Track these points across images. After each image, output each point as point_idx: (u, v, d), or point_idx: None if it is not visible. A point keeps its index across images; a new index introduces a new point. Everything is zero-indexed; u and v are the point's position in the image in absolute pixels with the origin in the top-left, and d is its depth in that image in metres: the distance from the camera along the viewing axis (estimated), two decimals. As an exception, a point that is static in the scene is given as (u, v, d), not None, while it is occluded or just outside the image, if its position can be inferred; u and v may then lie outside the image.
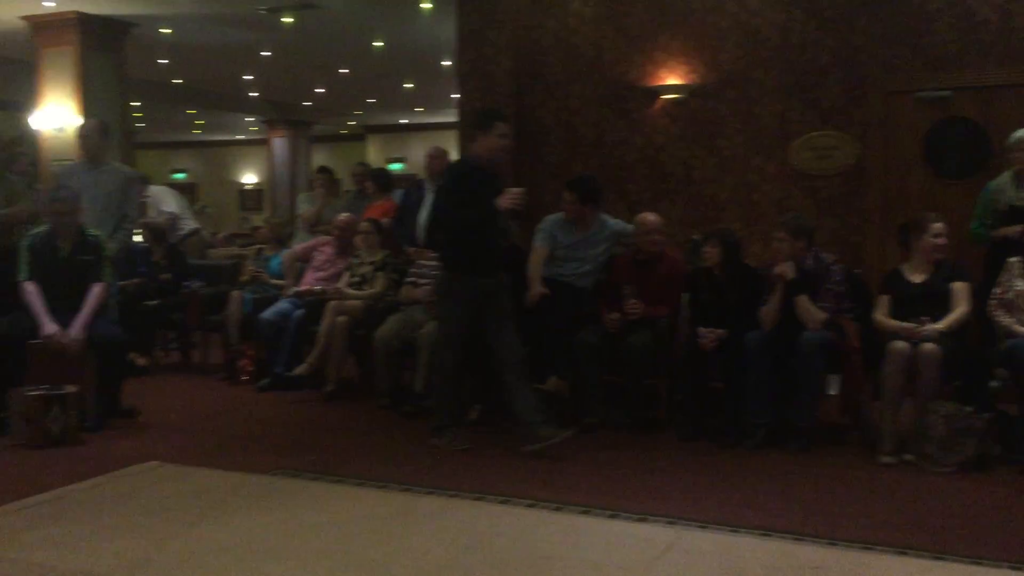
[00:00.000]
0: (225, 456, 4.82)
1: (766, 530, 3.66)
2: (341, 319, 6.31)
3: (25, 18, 9.54)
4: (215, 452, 4.91)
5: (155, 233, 7.93)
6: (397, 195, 7.66)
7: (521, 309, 5.44)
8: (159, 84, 13.93)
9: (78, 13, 9.35)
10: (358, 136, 21.02)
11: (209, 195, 22.05)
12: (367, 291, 6.49)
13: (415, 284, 6.17)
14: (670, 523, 3.74)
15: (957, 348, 4.66)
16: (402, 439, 5.26)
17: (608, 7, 7.27)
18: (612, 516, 3.83)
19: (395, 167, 18.60)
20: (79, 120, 9.21)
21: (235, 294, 7.17)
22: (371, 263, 6.60)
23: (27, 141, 10.29)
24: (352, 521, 3.76)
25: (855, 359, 5.00)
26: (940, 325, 4.69)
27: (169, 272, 7.64)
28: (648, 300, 5.46)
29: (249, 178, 23.02)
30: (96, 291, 5.42)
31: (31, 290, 5.33)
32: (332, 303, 6.41)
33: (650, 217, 5.72)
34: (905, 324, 4.75)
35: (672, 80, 7.13)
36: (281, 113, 18.10)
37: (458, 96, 7.78)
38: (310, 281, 6.93)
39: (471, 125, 5.02)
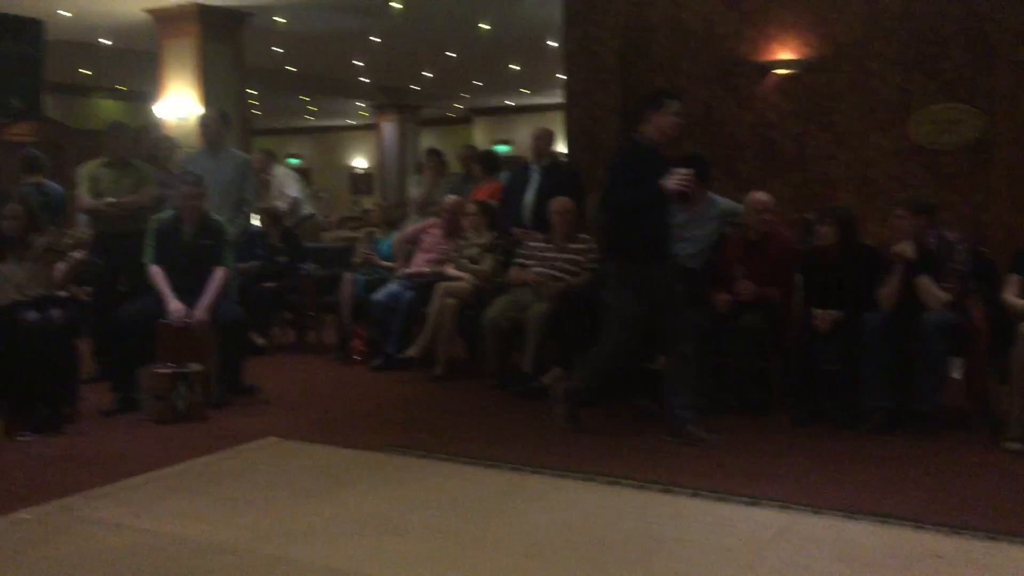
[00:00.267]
0: (339, 433, 4.96)
1: (883, 516, 3.55)
2: (450, 301, 6.39)
3: (148, 10, 9.94)
4: (329, 429, 5.06)
5: (271, 217, 8.19)
6: (503, 177, 7.70)
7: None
8: (274, 72, 14.33)
9: (198, 4, 9.69)
10: (465, 119, 21.19)
11: (321, 179, 22.62)
12: (476, 267, 6.55)
13: (522, 265, 6.20)
14: (782, 508, 3.67)
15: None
16: (511, 419, 5.30)
17: (717, -19, 7.11)
18: (722, 499, 3.78)
19: (501, 149, 18.69)
20: (200, 108, 9.57)
21: (347, 276, 7.35)
22: (479, 245, 6.66)
23: (153, 129, 10.75)
24: (462, 498, 3.83)
25: (980, 341, 4.79)
26: (1074, 306, 4.44)
27: (285, 255, 7.89)
28: (759, 281, 5.35)
29: (359, 162, 23.50)
30: (218, 274, 5.64)
31: (156, 272, 5.58)
32: (441, 285, 6.50)
33: (761, 196, 5.60)
34: (1035, 305, 4.52)
35: (785, 55, 6.92)
36: (390, 98, 18.39)
37: (564, 77, 7.75)
38: (420, 263, 7.05)
39: (639, 104, 4.81)
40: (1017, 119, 6.30)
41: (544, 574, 3.10)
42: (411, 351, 6.50)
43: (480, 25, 11.15)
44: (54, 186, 8.18)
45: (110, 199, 6.21)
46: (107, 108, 16.40)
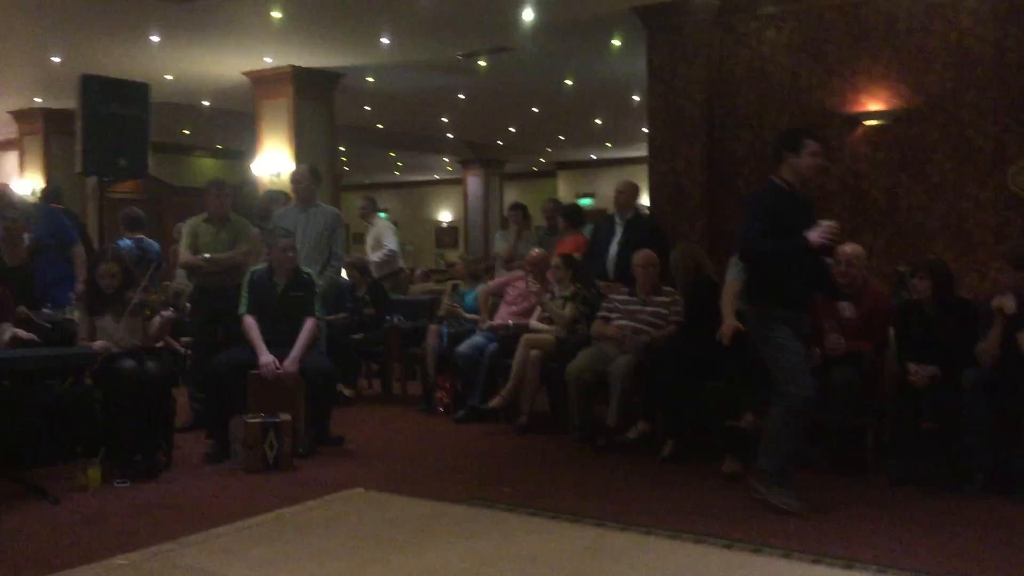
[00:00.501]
0: (424, 485, 4.98)
1: (988, 584, 3.39)
2: (534, 353, 6.40)
3: (247, 73, 10.38)
4: (414, 480, 5.09)
5: (360, 270, 8.37)
6: (588, 230, 7.73)
7: (715, 343, 5.34)
8: (363, 129, 14.74)
9: (293, 67, 10.08)
10: (549, 172, 21.37)
11: (407, 233, 23.03)
12: (557, 312, 6.55)
13: (606, 319, 6.18)
14: (879, 571, 3.54)
15: None
16: (595, 473, 5.25)
17: (805, 34, 7.08)
18: (815, 561, 3.66)
19: (584, 202, 18.76)
20: (293, 165, 9.88)
21: (433, 328, 7.43)
22: (563, 297, 6.67)
23: (250, 186, 11.15)
24: (546, 554, 3.79)
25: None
26: None
27: (372, 307, 8.03)
28: (851, 335, 5.23)
29: (445, 216, 23.87)
30: (308, 326, 5.77)
31: (250, 323, 5.75)
32: (525, 337, 6.52)
33: (849, 248, 5.48)
34: None
35: (874, 106, 6.84)
36: (475, 153, 18.70)
37: (648, 130, 7.78)
38: (504, 315, 7.09)
39: (776, 145, 4.61)
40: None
41: (630, 634, 3.03)
42: (495, 403, 6.52)
43: (565, 82, 11.30)
44: (151, 242, 8.56)
45: (206, 255, 6.45)
46: (205, 166, 17.08)
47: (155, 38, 8.76)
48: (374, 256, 9.02)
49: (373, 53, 9.54)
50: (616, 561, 3.71)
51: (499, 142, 17.58)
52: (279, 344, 5.67)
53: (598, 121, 14.71)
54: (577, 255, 7.14)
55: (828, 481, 4.93)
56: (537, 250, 7.31)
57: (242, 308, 5.82)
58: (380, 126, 15.00)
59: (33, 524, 4.28)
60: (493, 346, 6.80)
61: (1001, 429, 4.62)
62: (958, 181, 6.55)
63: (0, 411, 4.88)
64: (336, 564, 3.67)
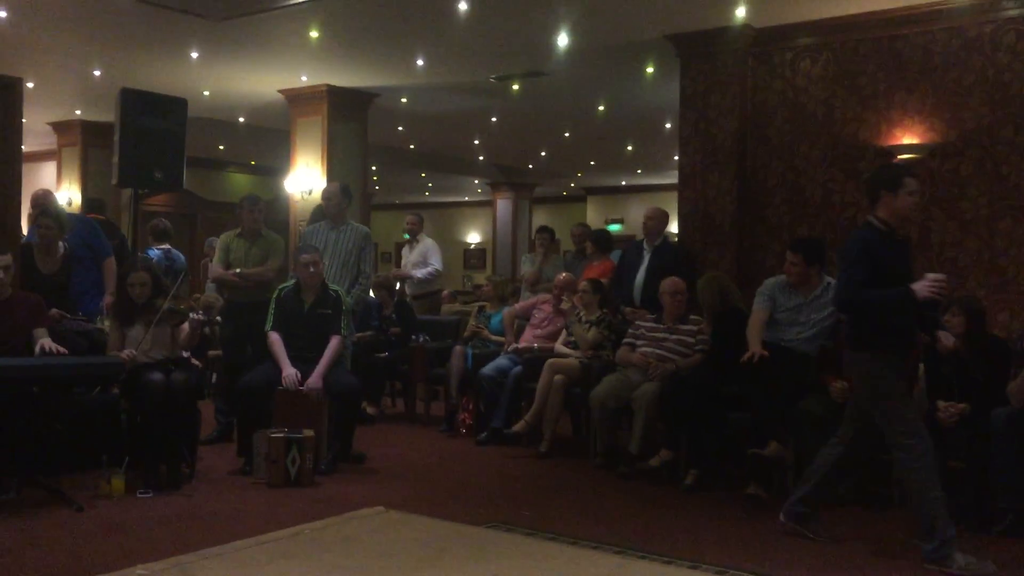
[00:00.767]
0: (444, 506, 4.97)
1: (1015, 628, 3.32)
2: (558, 377, 6.39)
3: (282, 91, 10.49)
4: (435, 501, 5.08)
5: (387, 288, 8.41)
6: (615, 255, 7.73)
7: (741, 373, 5.31)
8: (395, 149, 14.84)
9: (328, 86, 10.18)
10: (578, 197, 21.40)
11: (436, 254, 23.07)
12: (582, 336, 6.54)
13: (631, 346, 6.16)
14: (903, 611, 3.48)
15: None
16: (617, 500, 5.22)
17: (839, 65, 7.07)
18: (837, 597, 3.61)
19: (613, 228, 18.75)
20: (325, 183, 9.97)
21: (458, 349, 7.44)
22: (589, 322, 6.66)
23: (281, 203, 11.26)
24: (565, 580, 3.77)
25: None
26: None
27: (398, 326, 8.06)
28: (879, 369, 5.17)
29: (473, 237, 23.94)
30: (333, 343, 5.80)
31: (275, 339, 5.79)
32: (549, 361, 6.51)
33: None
34: None
35: (908, 139, 6.79)
36: (505, 176, 18.76)
37: (679, 158, 7.78)
38: (529, 338, 7.09)
39: (872, 183, 4.35)
40: None
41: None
42: (517, 426, 6.51)
43: (597, 108, 11.34)
44: (178, 253, 8.67)
45: (238, 270, 6.51)
46: (238, 182, 17.27)
47: (194, 54, 8.89)
48: (418, 273, 9.05)
49: (408, 74, 9.62)
50: (635, 590, 3.68)
51: (530, 166, 17.64)
52: (305, 361, 5.70)
53: (629, 147, 14.72)
54: (604, 280, 7.14)
55: (852, 516, 4.87)
56: (565, 274, 7.32)
57: (269, 324, 5.86)
58: (412, 147, 15.10)
59: (57, 531, 4.32)
60: (518, 369, 6.80)
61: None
62: (992, 217, 6.49)
63: (29, 418, 4.94)
64: (354, 582, 3.66)
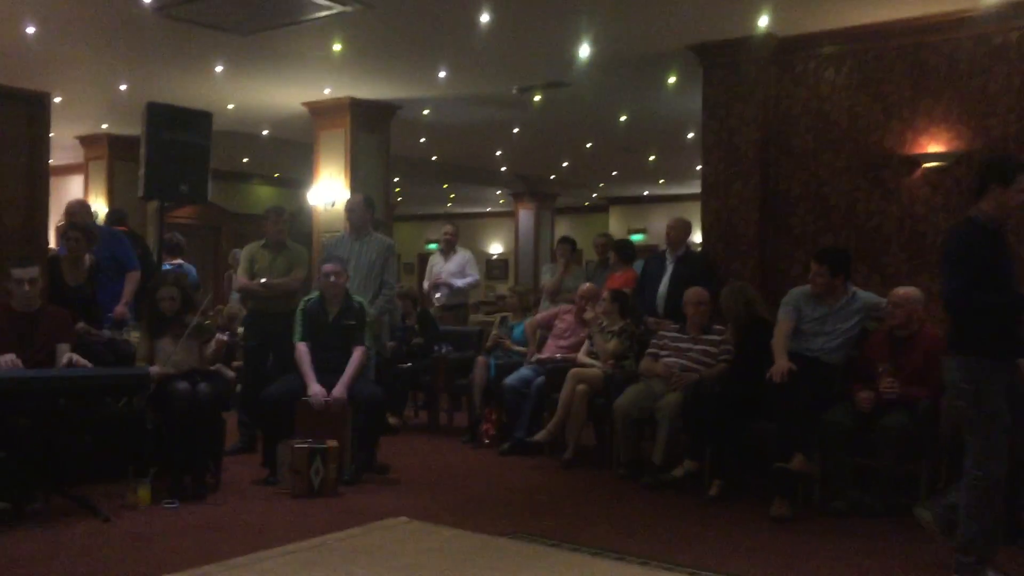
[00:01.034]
0: (468, 516, 4.96)
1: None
2: (580, 387, 6.37)
3: (306, 104, 10.57)
4: (458, 511, 5.08)
5: (410, 299, 8.43)
6: (638, 265, 7.71)
7: (765, 383, 5.28)
8: (418, 160, 14.89)
9: (351, 98, 10.24)
10: (601, 207, 21.38)
11: (458, 265, 23.10)
12: (604, 346, 6.52)
13: (655, 356, 6.14)
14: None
15: None
16: (640, 511, 5.19)
17: (864, 74, 7.02)
18: (865, 610, 3.57)
19: (636, 238, 18.71)
20: (347, 195, 10.02)
21: (480, 359, 7.44)
22: (611, 332, 6.64)
23: (305, 214, 11.32)
24: (589, 591, 3.75)
25: None
26: None
27: (421, 337, 8.07)
28: (906, 379, 5.13)
29: (495, 248, 23.96)
30: (357, 354, 5.82)
31: (302, 352, 5.82)
32: (572, 371, 6.50)
33: (907, 291, 5.40)
34: None
35: (934, 147, 6.74)
36: (528, 186, 18.78)
37: (701, 167, 7.76)
38: (551, 349, 7.08)
39: (983, 174, 4.12)
40: None
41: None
42: (540, 437, 6.49)
43: (620, 118, 11.34)
44: (190, 267, 8.74)
45: (263, 280, 6.56)
46: (263, 194, 17.38)
47: (219, 68, 8.98)
48: (459, 282, 9.06)
49: (430, 86, 9.66)
50: (660, 602, 3.66)
51: (552, 176, 17.65)
52: (329, 371, 5.72)
53: (652, 157, 14.70)
54: (627, 290, 7.12)
55: (880, 528, 4.82)
56: (587, 284, 7.31)
57: (296, 336, 5.89)
58: (434, 158, 15.15)
59: (84, 541, 4.35)
60: (540, 379, 6.79)
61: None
62: (1019, 225, 6.42)
63: (56, 428, 4.98)
64: (378, 593, 3.66)
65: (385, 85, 9.79)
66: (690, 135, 11.55)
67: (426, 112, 11.00)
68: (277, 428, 5.64)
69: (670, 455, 5.70)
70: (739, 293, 6.02)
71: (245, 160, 15.12)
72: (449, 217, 24.49)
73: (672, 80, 9.04)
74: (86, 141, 13.13)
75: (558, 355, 6.95)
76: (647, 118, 11.19)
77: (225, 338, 5.73)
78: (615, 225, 20.30)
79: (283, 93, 10.11)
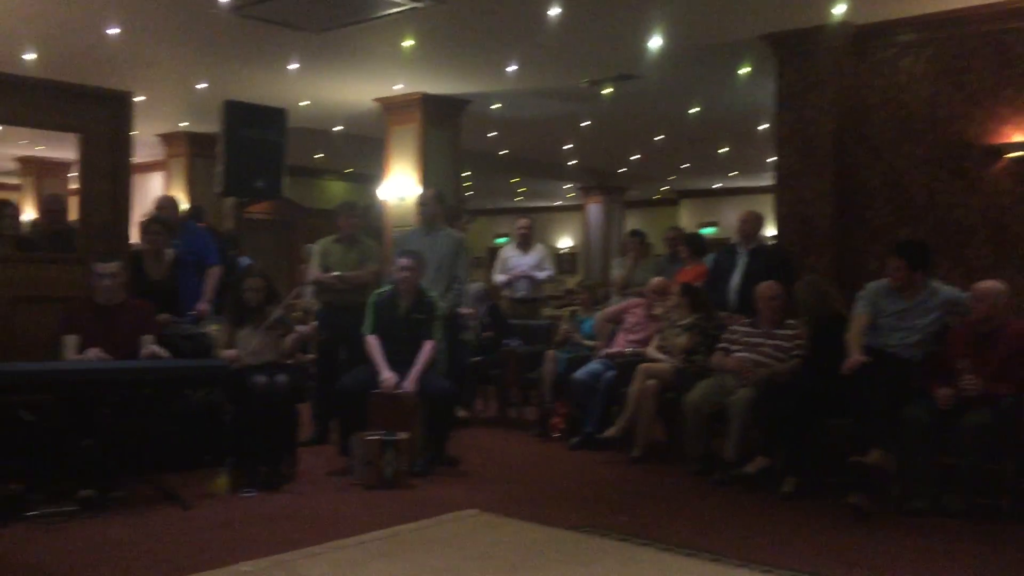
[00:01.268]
0: (537, 509, 4.98)
1: None
2: (651, 382, 6.33)
3: (378, 100, 10.70)
4: (528, 505, 5.09)
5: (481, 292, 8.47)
6: (709, 259, 7.62)
7: (840, 379, 5.18)
8: (487, 155, 14.95)
9: (422, 94, 10.34)
10: (671, 201, 21.18)
11: (527, 258, 23.11)
12: (674, 341, 6.47)
13: (726, 351, 6.07)
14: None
15: None
16: (712, 507, 5.15)
17: (944, 62, 6.83)
18: (945, 612, 3.48)
19: (707, 231, 18.49)
20: (418, 190, 10.12)
21: (550, 353, 7.45)
22: (682, 326, 6.58)
23: (376, 209, 11.46)
24: (660, 587, 3.73)
25: None
26: None
27: (491, 330, 8.11)
28: (987, 376, 4.98)
29: (564, 242, 23.92)
30: (427, 348, 5.88)
31: (373, 343, 5.90)
32: (642, 366, 6.46)
33: (989, 284, 5.24)
34: None
35: (1018, 137, 6.53)
36: (597, 180, 18.70)
37: (775, 159, 7.64)
38: (621, 343, 7.05)
39: None
40: None
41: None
42: (610, 431, 6.47)
43: (690, 110, 11.22)
44: (244, 260, 8.88)
45: (336, 273, 6.66)
46: (335, 189, 17.65)
47: (293, 66, 9.14)
48: (541, 275, 9.08)
49: (500, 80, 9.69)
50: (732, 599, 3.63)
51: (621, 169, 17.54)
52: (400, 365, 5.80)
53: (723, 149, 14.52)
54: (697, 284, 7.04)
55: (960, 528, 4.70)
56: (658, 278, 7.26)
57: (367, 329, 5.98)
58: (504, 152, 15.19)
59: (166, 527, 4.49)
60: (610, 373, 6.76)
61: None
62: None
63: (139, 418, 5.15)
64: (449, 583, 3.71)
65: (455, 80, 9.85)
66: (763, 126, 11.37)
67: (496, 106, 11.03)
68: (351, 419, 5.73)
69: (742, 451, 5.63)
70: (814, 287, 5.91)
71: (318, 156, 15.36)
72: (518, 211, 24.55)
73: (744, 71, 8.91)
74: (166, 139, 13.50)
75: (628, 349, 6.91)
76: (718, 109, 11.05)
77: (306, 329, 5.84)
78: (686, 218, 20.10)
79: (355, 89, 10.25)
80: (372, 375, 5.79)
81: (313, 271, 6.87)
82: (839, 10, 6.82)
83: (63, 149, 13.62)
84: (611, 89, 9.95)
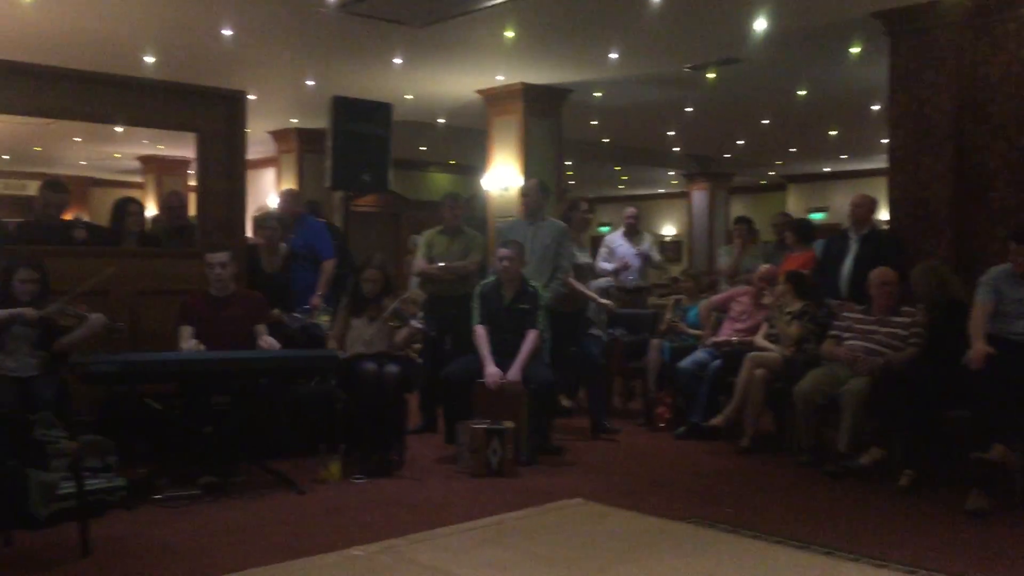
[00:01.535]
0: (643, 499, 4.95)
1: None
2: (759, 372, 6.22)
3: (480, 91, 10.79)
4: (633, 494, 5.07)
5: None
6: (818, 246, 7.43)
7: (960, 368, 4.98)
8: (589, 143, 14.91)
9: (523, 84, 10.37)
10: (778, 186, 20.71)
11: (630, 247, 22.95)
12: (783, 329, 6.34)
13: (837, 339, 5.90)
14: None
15: None
16: (825, 499, 5.03)
17: (1072, 34, 6.47)
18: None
19: (816, 216, 18.00)
20: (521, 180, 10.16)
21: (655, 342, 7.39)
22: (789, 314, 6.44)
23: (479, 200, 11.57)
24: (770, 580, 3.68)
25: None
26: None
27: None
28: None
29: (668, 230, 23.67)
30: (531, 337, 5.91)
31: (480, 334, 5.97)
32: (750, 355, 6.35)
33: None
34: None
35: None
36: (701, 166, 18.43)
37: (888, 141, 7.37)
38: (727, 332, 6.94)
39: None
40: None
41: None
42: (717, 422, 6.39)
43: (798, 93, 10.93)
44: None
45: (441, 263, 6.76)
46: (439, 181, 17.89)
47: (398, 60, 9.30)
48: (656, 256, 9.06)
49: (601, 68, 9.64)
50: (845, 593, 3.54)
51: (726, 155, 17.23)
52: (504, 354, 5.85)
53: (832, 132, 14.10)
54: (805, 271, 6.87)
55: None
56: (765, 266, 7.12)
57: (474, 319, 6.05)
58: (606, 140, 15.11)
59: (282, 512, 4.65)
60: (716, 363, 6.67)
61: None
62: None
63: (257, 406, 5.34)
64: (557, 571, 3.73)
65: (556, 70, 9.85)
66: (875, 107, 11.00)
67: (597, 95, 10.98)
68: (457, 408, 5.82)
69: (855, 442, 5.48)
70: (932, 272, 5.69)
71: (422, 148, 15.60)
72: (620, 199, 24.41)
73: (855, 50, 8.64)
74: (277, 136, 13.93)
75: (734, 338, 6.80)
76: (828, 91, 10.74)
77: (420, 326, 5.94)
78: (794, 204, 19.62)
79: (457, 82, 10.36)
80: (477, 364, 5.86)
81: (418, 262, 6.98)
82: (956, -17, 6.54)
83: (182, 148, 14.22)
84: (715, 73, 9.78)
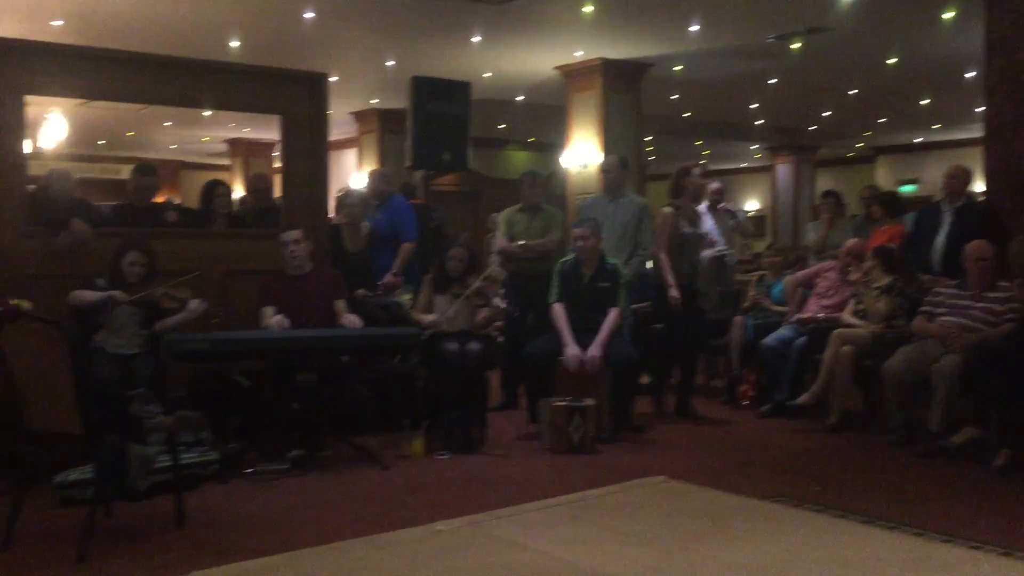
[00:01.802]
0: (726, 478, 4.90)
1: None
2: (846, 348, 6.08)
3: (558, 68, 10.74)
4: (716, 473, 5.02)
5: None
6: (908, 219, 7.20)
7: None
8: (670, 118, 14.71)
9: (602, 59, 10.28)
10: (867, 158, 20.12)
11: (712, 222, 22.62)
12: (872, 305, 6.17)
13: (929, 315, 5.72)
14: None
15: None
16: (915, 480, 4.90)
17: None
18: None
19: (907, 189, 17.45)
20: (600, 157, 10.09)
21: (738, 319, 7.28)
22: (878, 288, 6.27)
23: (558, 178, 11.53)
24: (859, 560, 3.60)
25: None
26: None
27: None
28: None
29: (751, 204, 23.23)
30: (612, 315, 5.88)
31: (559, 312, 5.96)
32: (837, 331, 6.21)
33: None
34: None
35: None
36: (785, 139, 18.02)
37: (983, 109, 7.08)
38: (813, 308, 6.79)
39: None
40: None
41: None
42: (802, 399, 6.27)
43: (887, 61, 10.58)
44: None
45: (521, 242, 6.77)
46: (518, 159, 17.89)
47: (476, 39, 9.31)
48: (750, 227, 8.92)
49: (682, 41, 9.49)
50: (940, 575, 3.44)
51: (812, 127, 16.81)
52: (585, 331, 5.83)
53: (924, 101, 13.62)
54: (892, 245, 6.67)
55: None
56: (853, 240, 6.93)
57: (553, 297, 6.05)
58: (687, 115, 14.89)
59: (367, 487, 4.74)
60: (802, 340, 6.54)
61: None
62: None
63: (341, 383, 5.44)
64: (639, 550, 3.72)
65: (636, 44, 9.73)
66: (970, 74, 10.58)
67: (678, 68, 10.82)
68: (538, 386, 5.83)
69: (948, 421, 5.32)
70: (1031, 246, 5.47)
71: (501, 126, 15.62)
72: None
73: (948, 15, 8.31)
74: (359, 116, 14.11)
75: (820, 315, 6.65)
76: (919, 58, 10.38)
77: (504, 304, 5.97)
78: (883, 176, 19.05)
79: (536, 59, 10.32)
80: (558, 342, 5.86)
81: (499, 240, 7.01)
82: (1059, -59, 6.22)
83: (267, 130, 14.52)
84: (800, 43, 9.53)
